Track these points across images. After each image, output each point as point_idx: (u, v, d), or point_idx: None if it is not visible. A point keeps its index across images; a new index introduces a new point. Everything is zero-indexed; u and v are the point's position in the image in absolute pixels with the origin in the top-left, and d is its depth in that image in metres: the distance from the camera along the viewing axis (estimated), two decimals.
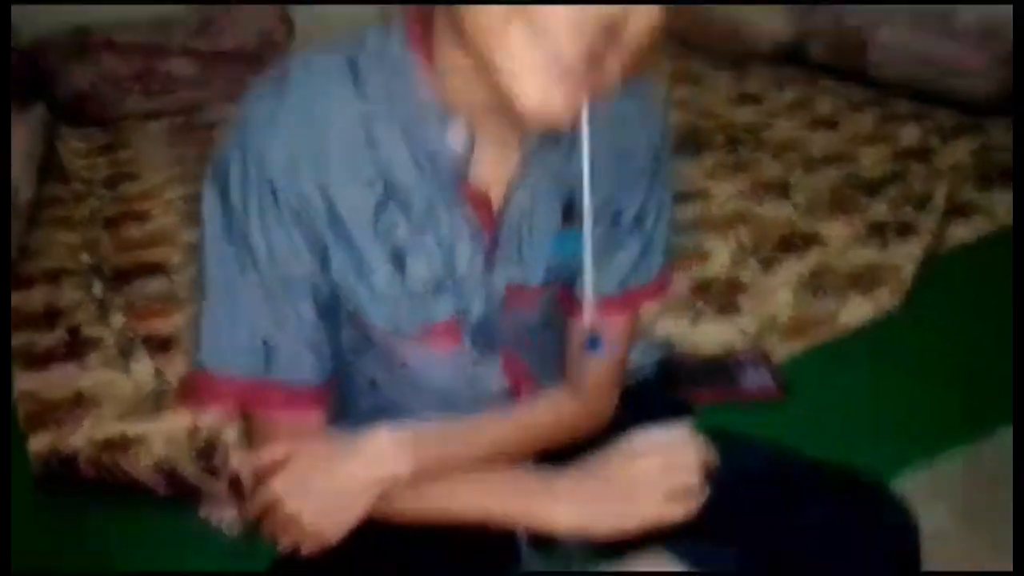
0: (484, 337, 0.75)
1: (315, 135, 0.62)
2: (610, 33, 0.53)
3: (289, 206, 0.64)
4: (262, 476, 0.66)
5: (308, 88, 0.63)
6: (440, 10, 0.61)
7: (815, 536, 0.74)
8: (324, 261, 0.67)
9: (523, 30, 0.53)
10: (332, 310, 0.71)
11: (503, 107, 0.57)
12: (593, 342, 0.75)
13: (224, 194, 0.65)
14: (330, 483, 0.67)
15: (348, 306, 0.72)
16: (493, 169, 0.67)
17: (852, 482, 0.80)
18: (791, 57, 2.75)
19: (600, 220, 0.74)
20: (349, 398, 0.76)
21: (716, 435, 0.73)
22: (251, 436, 0.74)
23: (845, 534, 0.74)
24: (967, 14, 2.30)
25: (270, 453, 0.68)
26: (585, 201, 0.67)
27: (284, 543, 0.68)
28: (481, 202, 0.68)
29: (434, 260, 0.69)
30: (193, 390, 0.69)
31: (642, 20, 0.54)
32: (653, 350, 0.97)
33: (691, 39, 3.09)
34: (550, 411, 0.79)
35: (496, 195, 0.68)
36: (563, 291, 0.76)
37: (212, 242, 0.66)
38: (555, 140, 0.67)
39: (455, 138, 0.63)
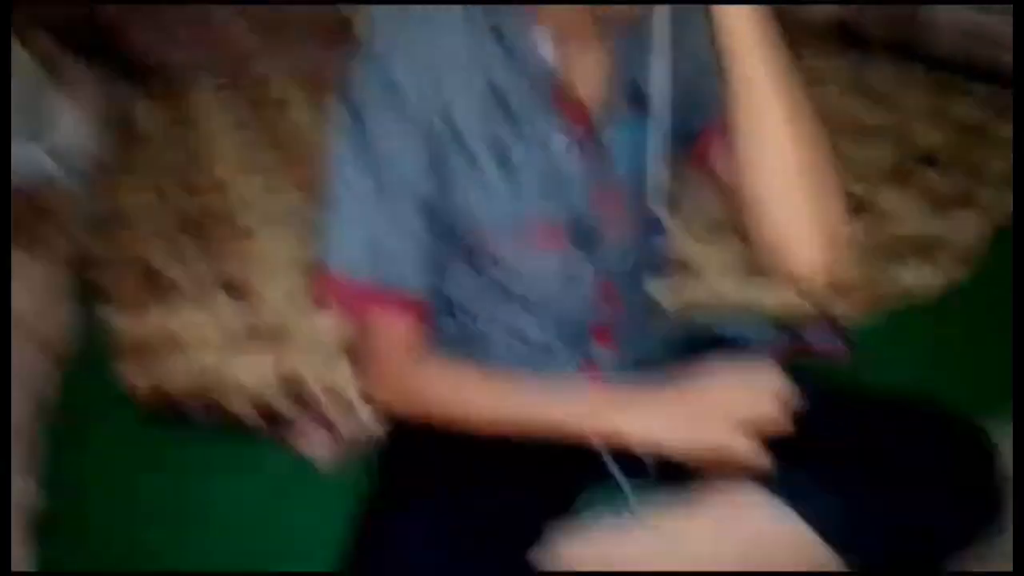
0: (583, 238, 0.81)
1: (433, 52, 0.72)
2: None
3: (414, 117, 0.73)
4: None
5: (424, 18, 0.73)
6: None
7: (897, 459, 0.78)
8: (441, 181, 0.76)
9: None
10: (436, 229, 0.78)
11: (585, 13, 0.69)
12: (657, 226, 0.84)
13: (355, 112, 0.74)
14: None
15: (458, 217, 0.78)
16: (581, 76, 0.76)
17: (932, 412, 0.83)
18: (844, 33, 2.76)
19: (672, 109, 0.79)
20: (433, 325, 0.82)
21: (798, 372, 0.76)
22: (357, 346, 0.82)
23: (926, 457, 0.78)
24: None
25: None
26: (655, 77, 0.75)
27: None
28: (571, 102, 0.76)
29: (534, 156, 0.76)
30: (318, 291, 0.78)
31: None
32: (766, 329, 0.98)
33: None
34: None
35: (585, 98, 0.77)
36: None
37: (339, 157, 0.75)
38: (631, 44, 0.76)
39: (544, 48, 0.73)
